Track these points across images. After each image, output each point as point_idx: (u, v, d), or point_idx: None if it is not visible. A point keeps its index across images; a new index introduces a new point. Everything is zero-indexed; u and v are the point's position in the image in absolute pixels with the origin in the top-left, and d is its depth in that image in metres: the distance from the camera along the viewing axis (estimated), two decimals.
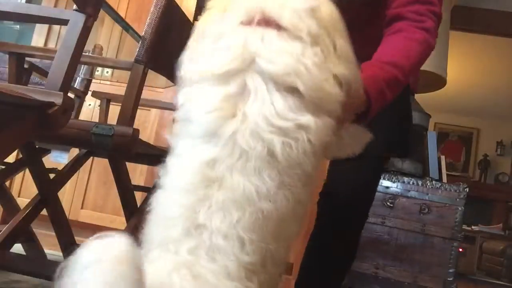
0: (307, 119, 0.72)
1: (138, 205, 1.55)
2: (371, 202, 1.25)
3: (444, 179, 2.70)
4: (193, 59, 0.79)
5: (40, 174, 1.47)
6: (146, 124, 2.77)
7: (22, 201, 1.63)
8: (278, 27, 0.74)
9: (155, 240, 0.71)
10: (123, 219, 1.55)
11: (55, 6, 3.26)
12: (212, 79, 0.73)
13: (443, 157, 2.77)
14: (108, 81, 2.90)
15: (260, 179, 0.68)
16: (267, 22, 0.75)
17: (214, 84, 0.73)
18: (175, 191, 0.72)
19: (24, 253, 1.64)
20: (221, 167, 0.69)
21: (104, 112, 2.04)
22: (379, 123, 0.97)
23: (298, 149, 0.71)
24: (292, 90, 0.72)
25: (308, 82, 0.72)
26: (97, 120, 2.23)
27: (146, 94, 1.45)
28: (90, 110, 2.81)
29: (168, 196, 0.73)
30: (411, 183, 2.53)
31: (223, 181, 0.69)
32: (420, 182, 2.52)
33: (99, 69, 2.94)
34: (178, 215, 0.69)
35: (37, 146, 1.54)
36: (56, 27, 3.27)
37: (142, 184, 2.56)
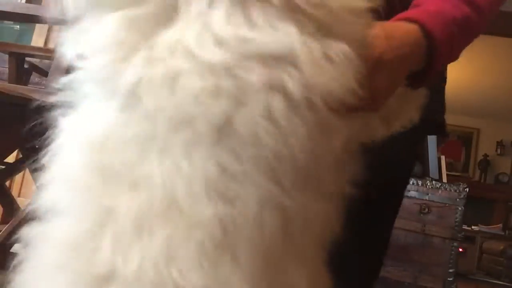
0: (287, 33, 0.41)
1: None
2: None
3: (444, 179, 2.70)
4: None
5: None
6: None
7: (22, 201, 1.63)
8: None
9: None
10: None
11: None
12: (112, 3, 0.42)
13: (443, 157, 2.77)
14: None
15: (208, 163, 0.38)
16: None
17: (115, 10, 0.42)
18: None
19: None
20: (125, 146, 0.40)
21: None
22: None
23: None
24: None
25: None
26: None
27: None
28: None
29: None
30: (411, 183, 2.53)
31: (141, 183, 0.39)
32: (420, 182, 2.52)
33: None
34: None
35: (37, 146, 1.54)
36: (56, 27, 3.27)
37: None
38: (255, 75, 0.39)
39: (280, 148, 0.40)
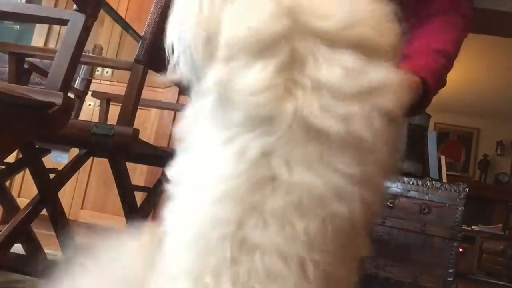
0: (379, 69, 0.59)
1: (138, 205, 1.55)
2: None
3: (444, 179, 2.69)
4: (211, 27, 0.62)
5: (40, 174, 1.47)
6: (146, 124, 2.77)
7: (22, 201, 1.63)
8: None
9: (182, 269, 0.56)
10: (123, 219, 1.55)
11: (55, 6, 3.26)
12: (251, 49, 0.57)
13: (443, 157, 2.77)
14: (108, 81, 2.90)
15: (333, 170, 0.54)
16: None
17: (255, 55, 0.57)
18: (208, 202, 0.56)
19: (24, 253, 1.64)
20: (276, 161, 0.54)
21: (104, 112, 2.04)
22: None
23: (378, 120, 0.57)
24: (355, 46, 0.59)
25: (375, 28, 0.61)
26: (97, 120, 2.23)
27: (146, 94, 1.45)
28: (90, 110, 2.81)
29: (198, 210, 0.57)
30: (411, 183, 2.53)
31: (279, 181, 0.54)
32: (420, 182, 2.52)
33: (99, 69, 2.94)
34: (218, 236, 0.53)
35: (37, 146, 1.54)
36: (56, 27, 3.27)
37: (142, 184, 2.56)
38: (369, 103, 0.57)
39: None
